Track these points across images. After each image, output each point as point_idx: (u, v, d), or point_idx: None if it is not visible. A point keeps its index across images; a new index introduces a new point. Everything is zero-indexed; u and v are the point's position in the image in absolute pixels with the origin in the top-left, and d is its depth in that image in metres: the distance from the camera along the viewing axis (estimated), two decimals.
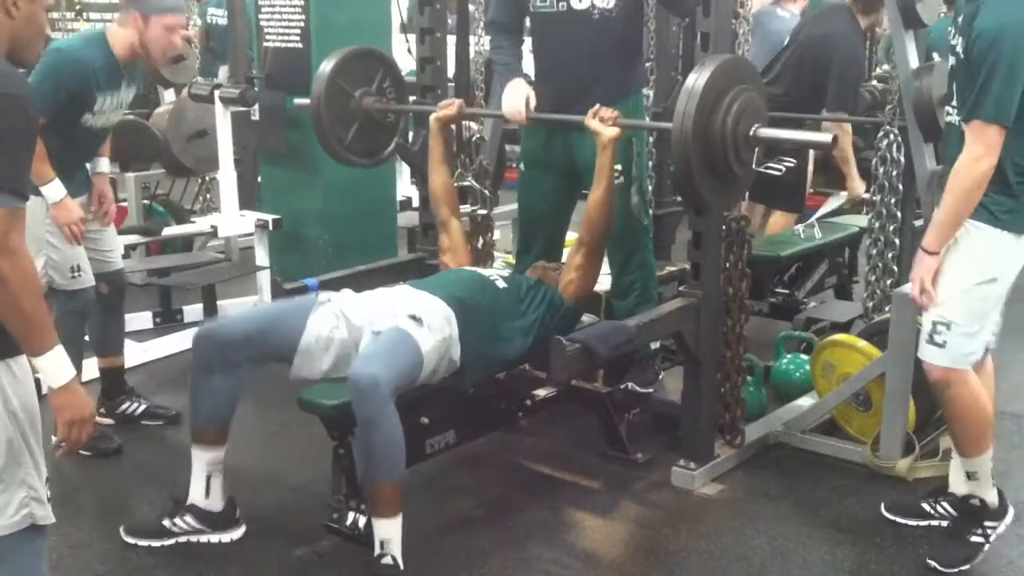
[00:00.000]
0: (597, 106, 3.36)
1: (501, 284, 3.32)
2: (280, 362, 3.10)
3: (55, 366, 1.97)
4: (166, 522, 3.12)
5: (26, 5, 2.01)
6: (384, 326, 3.00)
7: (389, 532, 2.82)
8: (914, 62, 3.65)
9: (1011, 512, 3.06)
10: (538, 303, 3.33)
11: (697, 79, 2.94)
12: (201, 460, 3.12)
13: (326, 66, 3.82)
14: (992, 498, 3.05)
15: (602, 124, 3.32)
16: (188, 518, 3.13)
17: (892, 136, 4.23)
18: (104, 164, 3.88)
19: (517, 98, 3.56)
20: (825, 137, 3.06)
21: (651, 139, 4.65)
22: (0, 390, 1.97)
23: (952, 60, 2.91)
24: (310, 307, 3.12)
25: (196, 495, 3.13)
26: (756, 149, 3.07)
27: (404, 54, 7.64)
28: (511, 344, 3.23)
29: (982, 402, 2.99)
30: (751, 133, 3.03)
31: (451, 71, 4.95)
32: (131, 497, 3.46)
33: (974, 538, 2.97)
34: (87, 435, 2.03)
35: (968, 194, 2.75)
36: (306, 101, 3.85)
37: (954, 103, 2.92)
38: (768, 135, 3.07)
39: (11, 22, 1.99)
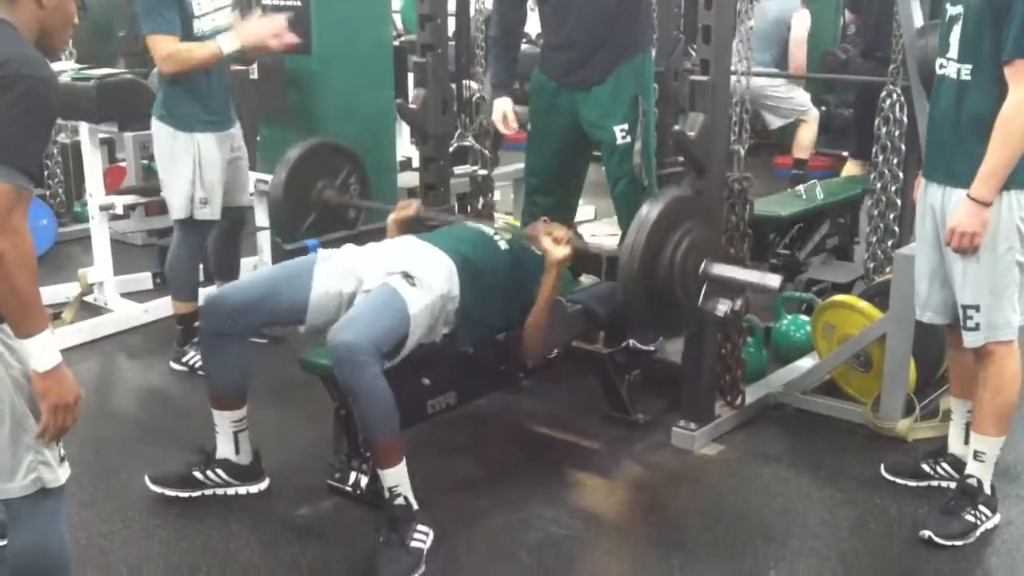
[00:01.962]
0: (544, 222, 3.17)
1: (503, 246, 3.31)
2: (289, 325, 3.11)
3: (42, 351, 1.97)
4: (197, 473, 3.15)
5: None
6: (376, 283, 3.00)
7: (395, 479, 2.85)
8: (918, 21, 3.62)
9: (999, 514, 3.04)
10: (532, 272, 3.31)
11: (649, 211, 2.92)
12: (225, 420, 3.14)
13: (292, 153, 3.80)
14: (989, 485, 3.02)
15: (554, 244, 3.09)
16: (220, 471, 3.16)
17: (895, 96, 4.21)
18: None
19: (497, 116, 3.88)
20: (774, 282, 3.01)
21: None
22: (0, 356, 1.98)
23: (954, 9, 2.84)
24: (312, 265, 3.12)
25: (227, 451, 3.16)
26: (705, 285, 3.02)
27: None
28: (506, 307, 3.21)
29: (1020, 380, 2.95)
30: (701, 270, 2.99)
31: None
32: (133, 456, 3.47)
33: (968, 516, 2.97)
34: (72, 420, 2.03)
35: (1022, 136, 2.70)
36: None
37: (949, 55, 2.85)
38: (718, 273, 3.00)
39: (42, 11, 2.04)
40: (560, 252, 3.07)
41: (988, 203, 2.76)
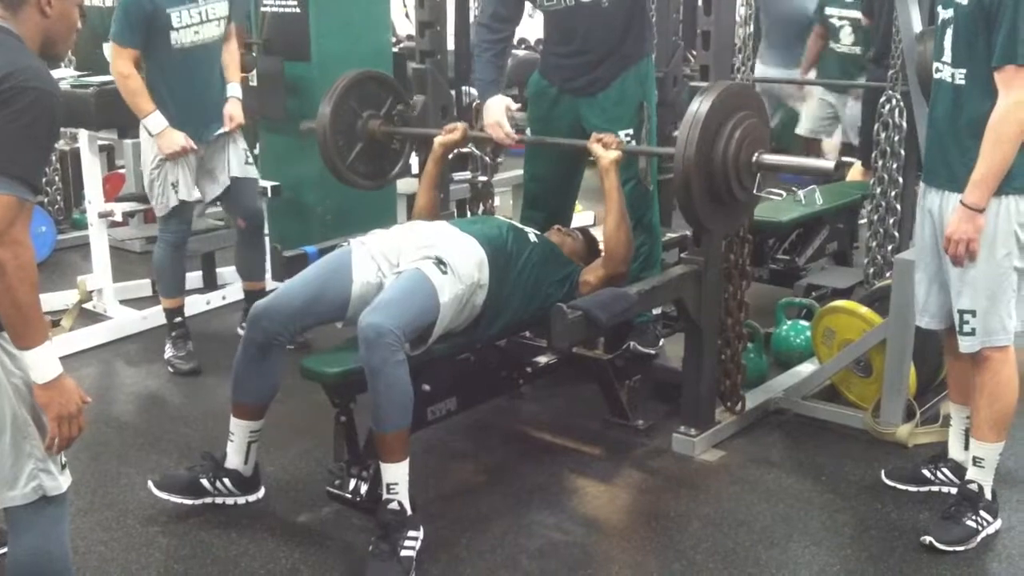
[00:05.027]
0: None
1: (532, 238, 3.33)
2: (331, 322, 3.14)
3: (43, 362, 1.98)
4: (204, 481, 3.13)
5: (59, 3, 2.06)
6: (408, 265, 3.01)
7: (395, 476, 2.84)
8: (917, 26, 3.62)
9: (1000, 520, 3.04)
10: (557, 268, 3.32)
11: (700, 105, 2.95)
12: (244, 430, 3.12)
13: (337, 85, 3.83)
14: (989, 490, 3.02)
15: (604, 149, 3.28)
16: (227, 481, 3.14)
17: (894, 101, 4.21)
18: (234, 89, 4.29)
19: (498, 117, 3.61)
20: (828, 164, 3.11)
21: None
22: (1, 364, 1.98)
23: (946, 12, 2.84)
24: (349, 256, 3.13)
25: (237, 462, 3.14)
26: (759, 175, 3.09)
27: (403, 19, 7.60)
28: (527, 302, 3.21)
29: (1016, 386, 2.95)
30: (754, 160, 3.05)
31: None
32: (132, 463, 3.47)
33: (969, 522, 2.96)
34: (77, 429, 2.04)
35: (1014, 142, 2.69)
36: (313, 124, 3.86)
37: (944, 59, 2.85)
38: (771, 161, 3.11)
39: (45, 20, 2.05)
40: (611, 155, 3.27)
41: (980, 209, 2.76)
